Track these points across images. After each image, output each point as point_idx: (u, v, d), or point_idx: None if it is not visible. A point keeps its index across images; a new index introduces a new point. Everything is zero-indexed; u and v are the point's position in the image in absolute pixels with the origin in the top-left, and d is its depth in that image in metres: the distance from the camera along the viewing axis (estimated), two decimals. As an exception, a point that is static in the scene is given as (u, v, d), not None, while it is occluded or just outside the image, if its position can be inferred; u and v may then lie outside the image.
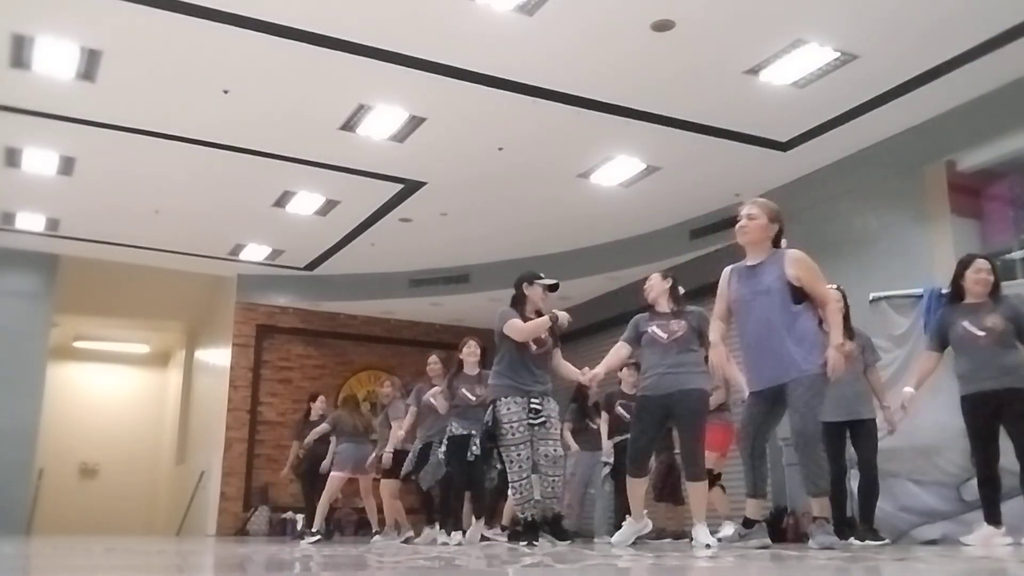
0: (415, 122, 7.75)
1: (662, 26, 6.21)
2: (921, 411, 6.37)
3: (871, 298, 6.89)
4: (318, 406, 9.79)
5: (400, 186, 9.24)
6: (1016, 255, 6.94)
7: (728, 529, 6.25)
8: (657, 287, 5.51)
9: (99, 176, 9.03)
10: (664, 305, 5.40)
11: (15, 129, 8.00)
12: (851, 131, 7.65)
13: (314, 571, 3.13)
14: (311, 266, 12.03)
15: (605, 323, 11.88)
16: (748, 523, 4.42)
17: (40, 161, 8.64)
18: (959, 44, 6.40)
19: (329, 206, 9.81)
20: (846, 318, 5.96)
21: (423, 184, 9.16)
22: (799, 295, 4.28)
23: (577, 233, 10.43)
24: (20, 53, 6.68)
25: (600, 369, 5.38)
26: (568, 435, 7.94)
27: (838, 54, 6.53)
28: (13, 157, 8.59)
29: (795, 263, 4.39)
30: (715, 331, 4.57)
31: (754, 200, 4.65)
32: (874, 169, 7.94)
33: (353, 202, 9.71)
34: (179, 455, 14.98)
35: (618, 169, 8.65)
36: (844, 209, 8.22)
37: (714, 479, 6.44)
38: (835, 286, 5.94)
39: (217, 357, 13.26)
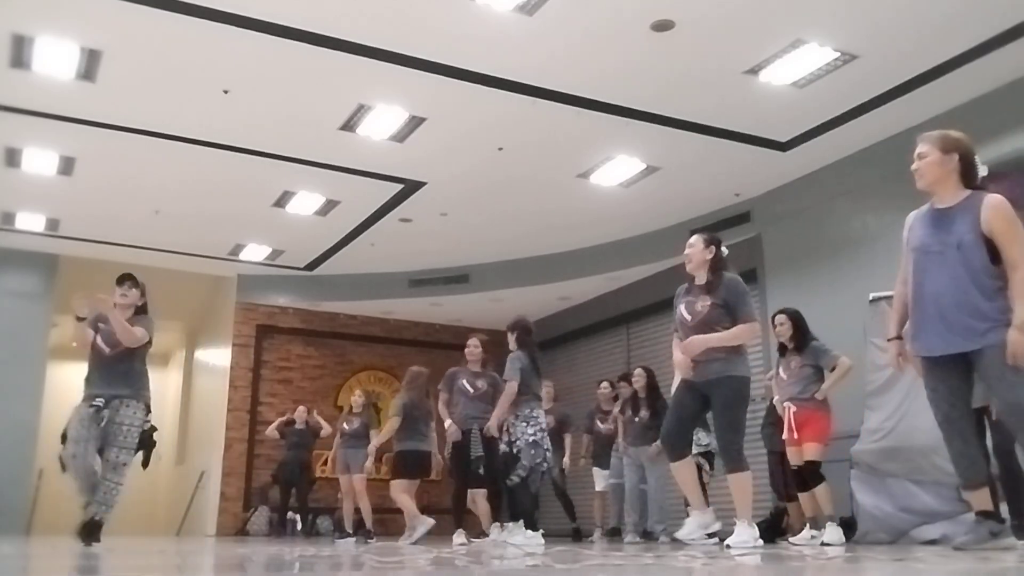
0: (415, 122, 7.75)
1: (662, 26, 6.21)
2: (920, 412, 6.38)
3: (871, 298, 6.89)
4: (300, 413, 10.79)
5: (400, 186, 9.24)
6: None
7: (834, 533, 5.79)
8: (697, 257, 5.01)
9: (99, 176, 9.03)
10: (702, 276, 4.98)
11: (15, 129, 8.00)
12: (851, 131, 7.65)
13: (313, 572, 3.13)
14: (311, 266, 12.03)
15: (605, 323, 11.92)
16: (987, 514, 3.76)
17: (40, 161, 8.64)
18: (959, 44, 6.41)
19: (329, 206, 9.81)
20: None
21: (423, 184, 9.16)
22: (995, 252, 3.62)
23: (577, 233, 10.43)
24: (20, 53, 6.68)
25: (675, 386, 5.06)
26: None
27: (838, 54, 6.53)
28: (13, 157, 8.59)
29: (992, 210, 3.67)
30: (899, 301, 3.96)
31: (925, 135, 3.98)
32: (874, 169, 7.95)
33: (353, 202, 9.71)
34: (179, 455, 14.98)
35: (618, 169, 8.65)
36: (844, 209, 8.23)
37: (821, 474, 6.04)
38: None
39: (217, 357, 13.26)
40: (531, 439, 6.44)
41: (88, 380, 5.66)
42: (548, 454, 6.62)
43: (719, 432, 4.91)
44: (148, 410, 5.75)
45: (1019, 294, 3.52)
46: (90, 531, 5.53)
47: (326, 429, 10.42)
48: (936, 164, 3.85)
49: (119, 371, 5.63)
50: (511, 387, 6.57)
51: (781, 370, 6.36)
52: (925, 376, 3.82)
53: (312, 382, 12.86)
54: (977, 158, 3.87)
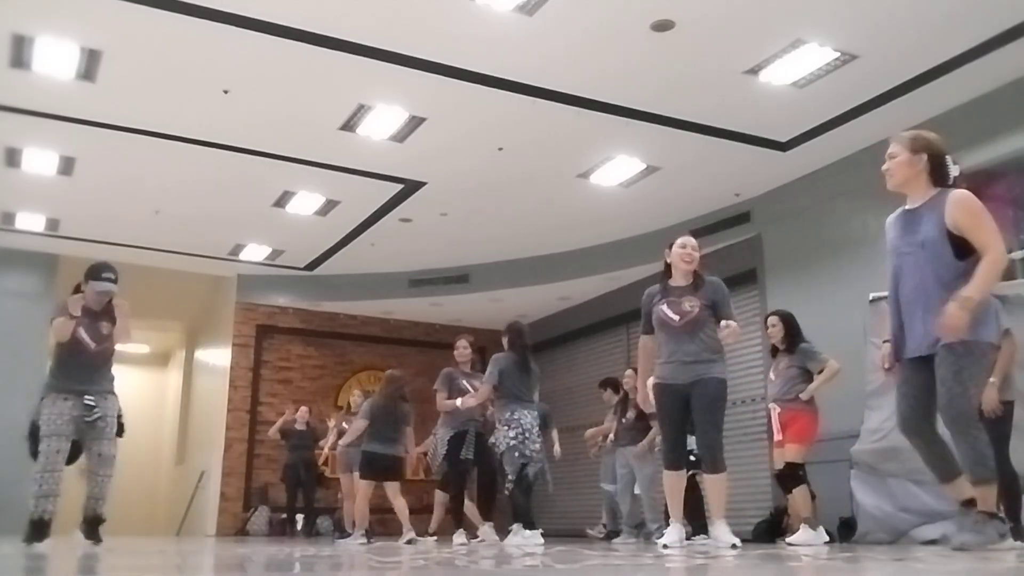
0: (415, 122, 7.75)
1: (662, 26, 6.21)
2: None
3: (871, 298, 6.89)
4: (302, 413, 10.87)
5: (400, 186, 9.24)
6: (1016, 255, 6.93)
7: (807, 534, 5.85)
8: (698, 260, 5.05)
9: (99, 176, 9.03)
10: (688, 277, 5.01)
11: (15, 129, 8.00)
12: (851, 131, 7.64)
13: (313, 571, 3.14)
14: (311, 266, 12.03)
15: (605, 323, 11.93)
16: (970, 503, 3.74)
17: (40, 161, 8.64)
18: (959, 44, 6.41)
19: (329, 206, 9.81)
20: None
21: (423, 184, 9.16)
22: (962, 248, 3.61)
23: (577, 233, 10.43)
24: (20, 53, 6.68)
25: (641, 388, 5.15)
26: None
27: (838, 54, 6.53)
28: (13, 157, 8.59)
29: (955, 205, 3.64)
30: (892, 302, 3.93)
31: (896, 135, 4.00)
32: (874, 169, 7.89)
33: (353, 202, 9.71)
34: (179, 455, 14.98)
35: (618, 169, 8.65)
36: (844, 209, 8.23)
37: (800, 476, 6.11)
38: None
39: (217, 357, 13.26)
40: (511, 443, 6.48)
41: (65, 373, 5.57)
42: (535, 452, 6.59)
43: (706, 432, 4.87)
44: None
45: (978, 275, 3.51)
46: (92, 527, 5.54)
47: (329, 439, 10.34)
48: (905, 164, 3.86)
49: (103, 366, 5.66)
50: (484, 389, 6.73)
51: (771, 371, 6.41)
52: (897, 376, 3.85)
53: (312, 382, 12.86)
54: (949, 158, 3.85)
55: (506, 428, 6.54)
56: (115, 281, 5.67)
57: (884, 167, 3.94)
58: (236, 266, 12.13)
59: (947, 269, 3.60)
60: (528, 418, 6.61)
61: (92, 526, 5.55)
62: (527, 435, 6.53)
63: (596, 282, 11.31)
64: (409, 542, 6.93)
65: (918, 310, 3.68)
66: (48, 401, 5.53)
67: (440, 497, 8.13)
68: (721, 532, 4.73)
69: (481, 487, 7.40)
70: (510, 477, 6.49)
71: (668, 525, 5.01)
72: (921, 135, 3.92)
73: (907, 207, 3.88)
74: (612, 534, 8.61)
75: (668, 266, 5.12)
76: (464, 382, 7.18)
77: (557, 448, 8.80)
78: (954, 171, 3.84)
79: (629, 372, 8.22)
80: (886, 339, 4.03)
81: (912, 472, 6.28)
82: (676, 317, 4.89)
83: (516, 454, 6.45)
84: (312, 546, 6.51)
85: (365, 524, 7.66)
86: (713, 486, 4.83)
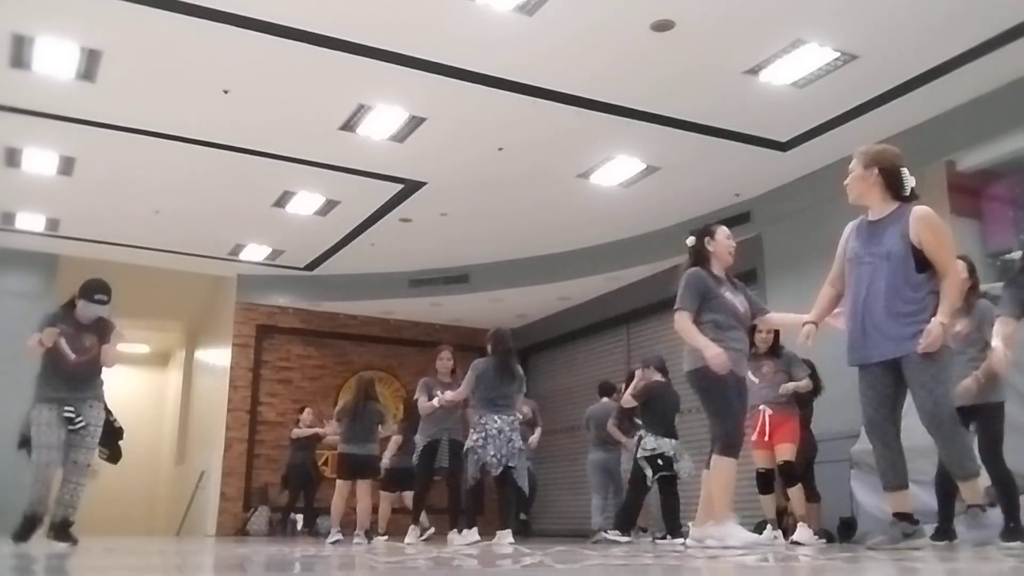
0: (415, 122, 7.76)
1: (662, 26, 6.21)
2: (920, 411, 6.38)
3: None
4: (305, 417, 10.94)
5: (400, 186, 9.24)
6: (1016, 255, 6.93)
7: (807, 532, 5.93)
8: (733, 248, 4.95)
9: (99, 176, 9.03)
10: (721, 268, 4.85)
11: (15, 129, 8.00)
12: (851, 131, 7.63)
13: (313, 571, 3.14)
14: (311, 266, 12.03)
15: (605, 323, 11.93)
16: (902, 516, 3.92)
17: (40, 161, 8.64)
18: (959, 44, 6.41)
19: (329, 206, 9.81)
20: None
21: (423, 184, 9.16)
22: (923, 261, 3.80)
23: (577, 233, 10.43)
24: (20, 53, 6.68)
25: (711, 346, 4.52)
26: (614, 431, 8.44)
27: (838, 54, 6.53)
28: (13, 157, 8.60)
29: (920, 222, 3.81)
30: (823, 298, 4.17)
31: (857, 150, 4.13)
32: (874, 169, 7.93)
33: (353, 202, 9.71)
34: (179, 455, 14.98)
35: (618, 169, 8.65)
36: (844, 209, 8.16)
37: (797, 475, 6.23)
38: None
39: (217, 357, 13.26)
40: (470, 445, 6.59)
41: (47, 382, 5.65)
42: (501, 457, 6.55)
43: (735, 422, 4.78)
44: (107, 408, 5.80)
45: (946, 295, 3.71)
46: (62, 530, 5.52)
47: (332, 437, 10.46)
48: (859, 179, 4.04)
49: (85, 377, 5.69)
50: (461, 390, 6.86)
51: (753, 374, 6.39)
52: (860, 381, 3.96)
53: (312, 382, 12.86)
54: (904, 170, 3.96)
55: (472, 431, 6.69)
56: (107, 302, 5.69)
57: (845, 182, 4.08)
58: (236, 266, 12.13)
59: (909, 280, 3.78)
60: (497, 424, 6.59)
61: (61, 530, 5.54)
62: (489, 440, 6.54)
63: (596, 282, 11.31)
64: (358, 543, 7.07)
65: (880, 317, 3.81)
66: (35, 412, 5.61)
67: (384, 497, 8.36)
68: (733, 532, 4.63)
69: (451, 492, 7.49)
70: (469, 480, 6.62)
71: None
72: (872, 149, 4.06)
73: (869, 218, 4.02)
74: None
75: (704, 254, 4.84)
76: (438, 392, 7.23)
77: (533, 439, 8.97)
78: (910, 183, 3.97)
79: (639, 374, 8.19)
80: (806, 321, 4.21)
81: (912, 472, 6.26)
82: (742, 309, 4.78)
83: (475, 457, 6.51)
84: (312, 546, 6.51)
85: (366, 524, 7.69)
86: (729, 472, 4.65)
